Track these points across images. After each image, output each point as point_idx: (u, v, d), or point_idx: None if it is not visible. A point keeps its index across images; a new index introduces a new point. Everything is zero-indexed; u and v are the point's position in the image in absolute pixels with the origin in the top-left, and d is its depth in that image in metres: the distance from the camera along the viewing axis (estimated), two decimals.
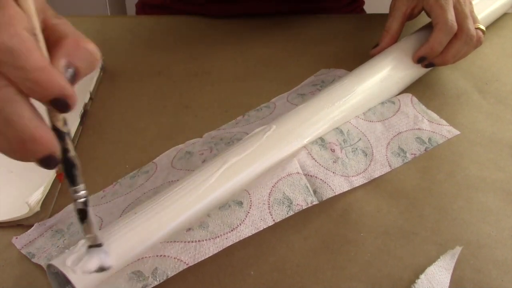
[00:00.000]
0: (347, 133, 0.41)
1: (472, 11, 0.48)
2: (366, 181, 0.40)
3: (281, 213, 0.35)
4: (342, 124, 0.42)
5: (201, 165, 0.37)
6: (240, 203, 0.34)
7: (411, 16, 0.51)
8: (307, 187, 0.37)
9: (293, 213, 0.35)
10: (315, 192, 0.37)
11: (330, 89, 0.43)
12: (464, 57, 0.49)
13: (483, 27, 0.49)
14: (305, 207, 0.36)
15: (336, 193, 0.37)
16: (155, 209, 0.33)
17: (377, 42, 0.50)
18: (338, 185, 0.38)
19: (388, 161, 0.41)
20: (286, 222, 0.37)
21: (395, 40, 0.50)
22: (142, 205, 0.33)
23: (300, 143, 0.39)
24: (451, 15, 0.45)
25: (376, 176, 0.40)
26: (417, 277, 0.33)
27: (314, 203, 0.36)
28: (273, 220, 0.35)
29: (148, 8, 0.74)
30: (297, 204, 0.36)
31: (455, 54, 0.47)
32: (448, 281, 0.33)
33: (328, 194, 0.37)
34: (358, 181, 0.39)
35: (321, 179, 0.37)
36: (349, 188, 0.39)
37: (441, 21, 0.45)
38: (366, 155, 0.41)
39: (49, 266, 0.30)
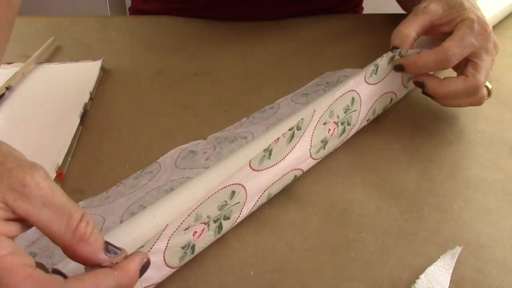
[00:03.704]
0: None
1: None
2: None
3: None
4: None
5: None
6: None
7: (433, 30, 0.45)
8: None
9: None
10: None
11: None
12: (452, 104, 0.45)
13: (490, 86, 0.44)
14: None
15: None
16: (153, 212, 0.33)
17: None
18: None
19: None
20: (285, 222, 0.37)
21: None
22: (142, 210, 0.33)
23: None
24: (482, 78, 0.42)
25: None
26: (417, 277, 0.33)
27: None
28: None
29: (140, 14, 0.73)
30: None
31: (450, 96, 0.43)
32: (448, 281, 0.33)
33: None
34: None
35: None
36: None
37: (472, 79, 0.41)
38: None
39: (54, 270, 0.30)
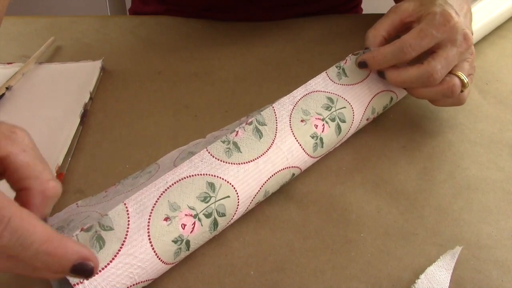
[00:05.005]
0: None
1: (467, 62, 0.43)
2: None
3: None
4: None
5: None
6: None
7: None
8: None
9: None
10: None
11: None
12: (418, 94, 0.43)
13: (465, 78, 0.42)
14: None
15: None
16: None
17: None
18: None
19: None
20: (285, 222, 0.37)
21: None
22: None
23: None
24: (438, 65, 0.40)
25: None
26: (417, 277, 0.33)
27: None
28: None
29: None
30: None
31: (406, 81, 0.42)
32: (448, 281, 0.33)
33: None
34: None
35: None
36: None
37: (426, 65, 0.40)
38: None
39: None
